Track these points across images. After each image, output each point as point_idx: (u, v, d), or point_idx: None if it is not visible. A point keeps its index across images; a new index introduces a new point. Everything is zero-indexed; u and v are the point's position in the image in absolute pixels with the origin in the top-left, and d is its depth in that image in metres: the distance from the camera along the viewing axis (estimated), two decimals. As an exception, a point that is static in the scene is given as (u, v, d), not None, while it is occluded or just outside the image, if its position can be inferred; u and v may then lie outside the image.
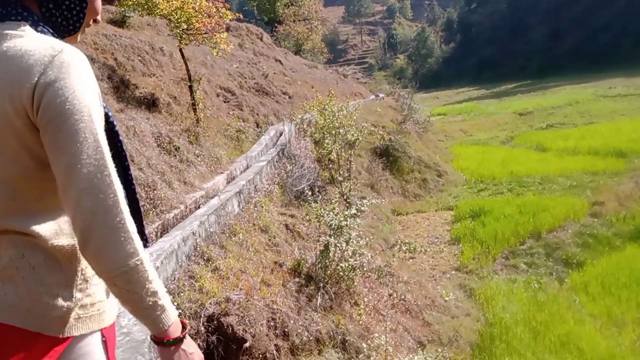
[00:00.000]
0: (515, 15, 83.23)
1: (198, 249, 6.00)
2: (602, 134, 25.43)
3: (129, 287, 1.22)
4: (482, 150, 25.65)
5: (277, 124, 17.43)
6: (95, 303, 1.34)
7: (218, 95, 16.97)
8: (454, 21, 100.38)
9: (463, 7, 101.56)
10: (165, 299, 1.30)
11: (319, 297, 6.48)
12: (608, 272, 11.33)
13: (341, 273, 6.99)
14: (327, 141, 13.09)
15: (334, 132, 13.41)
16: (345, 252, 7.06)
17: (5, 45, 1.20)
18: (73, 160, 1.16)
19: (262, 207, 8.85)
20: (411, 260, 12.90)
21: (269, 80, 21.24)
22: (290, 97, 21.44)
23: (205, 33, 10.71)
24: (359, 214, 7.77)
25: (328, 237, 7.08)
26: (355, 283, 7.10)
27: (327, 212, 7.42)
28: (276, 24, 45.89)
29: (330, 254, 6.82)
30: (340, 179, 13.65)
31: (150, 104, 10.29)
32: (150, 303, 1.26)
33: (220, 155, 10.76)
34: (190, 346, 1.35)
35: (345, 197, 13.55)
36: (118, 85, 10.16)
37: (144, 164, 7.95)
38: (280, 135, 15.73)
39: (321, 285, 6.69)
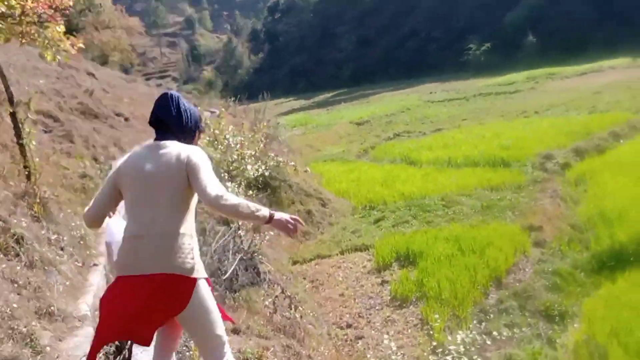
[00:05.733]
0: (322, 24, 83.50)
1: None
2: (464, 142, 24.10)
3: (243, 211, 2.68)
4: (348, 168, 22.85)
5: (122, 157, 12.85)
6: (200, 263, 2.82)
7: (35, 123, 11.95)
8: (260, 31, 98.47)
9: (267, 17, 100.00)
10: (260, 209, 2.73)
11: None
12: (616, 326, 8.78)
13: None
14: (227, 184, 9.00)
15: (231, 167, 9.40)
16: None
17: (174, 146, 2.85)
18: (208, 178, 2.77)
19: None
20: (360, 341, 9.34)
21: (96, 99, 16.28)
22: (126, 120, 16.70)
23: (40, 22, 6.21)
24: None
25: None
26: None
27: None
28: (74, 33, 39.16)
29: None
30: (242, 233, 9.64)
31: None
32: (255, 213, 2.70)
33: (84, 231, 6.24)
34: (283, 214, 2.80)
35: (250, 256, 9.58)
36: None
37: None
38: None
39: None
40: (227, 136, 9.62)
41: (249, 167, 9.28)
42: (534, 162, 18.99)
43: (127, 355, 3.77)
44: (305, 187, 17.31)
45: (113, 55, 40.47)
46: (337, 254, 13.56)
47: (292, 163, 10.90)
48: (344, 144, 31.12)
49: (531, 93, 40.29)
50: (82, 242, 5.89)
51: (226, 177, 9.38)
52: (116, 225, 3.36)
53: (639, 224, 12.27)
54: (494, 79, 53.00)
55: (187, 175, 2.75)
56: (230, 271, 6.66)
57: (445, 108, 38.30)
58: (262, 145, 10.64)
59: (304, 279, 12.33)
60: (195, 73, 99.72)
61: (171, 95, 2.99)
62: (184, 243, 2.72)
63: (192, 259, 2.74)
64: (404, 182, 18.61)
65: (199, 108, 14.03)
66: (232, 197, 2.69)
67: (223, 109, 10.54)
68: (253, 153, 9.85)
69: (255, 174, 9.56)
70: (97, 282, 5.19)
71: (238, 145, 9.65)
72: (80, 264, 5.48)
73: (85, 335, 4.03)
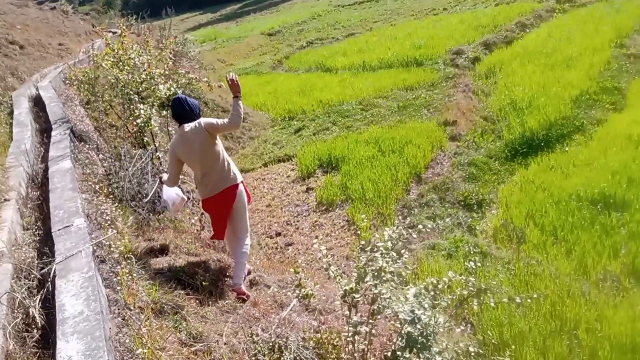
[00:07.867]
0: None
1: None
2: (377, 45, 24.06)
3: (241, 111, 5.01)
4: (263, 80, 22.42)
5: (22, 88, 12.12)
6: (238, 173, 5.42)
7: None
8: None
9: None
10: (239, 104, 5.05)
11: None
12: (531, 209, 9.33)
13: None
14: (140, 107, 8.60)
15: (140, 88, 8.98)
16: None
17: (192, 124, 5.11)
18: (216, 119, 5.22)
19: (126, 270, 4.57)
20: (290, 247, 9.50)
21: (-16, 27, 14.99)
22: (22, 47, 15.55)
23: None
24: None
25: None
26: None
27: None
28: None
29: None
30: (160, 154, 9.37)
31: None
32: (240, 104, 5.05)
33: (-13, 168, 5.88)
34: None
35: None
36: None
37: None
38: (36, 102, 10.91)
39: None
40: (132, 55, 9.09)
41: (160, 86, 8.82)
42: (446, 59, 19.27)
43: (50, 288, 3.64)
44: (221, 103, 16.94)
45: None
46: (260, 167, 13.56)
47: (205, 79, 10.50)
48: (256, 56, 30.43)
49: (439, -10, 40.28)
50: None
51: (137, 99, 8.94)
52: (169, 190, 5.64)
53: (548, 109, 12.83)
54: (402, -22, 52.50)
55: (208, 132, 4.99)
56: (151, 194, 6.49)
57: (356, 12, 37.83)
58: (171, 62, 10.12)
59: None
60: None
61: (181, 98, 5.14)
62: (229, 169, 5.22)
63: (234, 173, 5.26)
64: (321, 90, 18.52)
65: (98, 28, 13.11)
66: (231, 115, 4.99)
67: (125, 28, 9.86)
68: (162, 72, 9.35)
69: (168, 93, 9.12)
70: (10, 216, 4.93)
71: (145, 65, 9.15)
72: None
73: (4, 273, 3.85)
